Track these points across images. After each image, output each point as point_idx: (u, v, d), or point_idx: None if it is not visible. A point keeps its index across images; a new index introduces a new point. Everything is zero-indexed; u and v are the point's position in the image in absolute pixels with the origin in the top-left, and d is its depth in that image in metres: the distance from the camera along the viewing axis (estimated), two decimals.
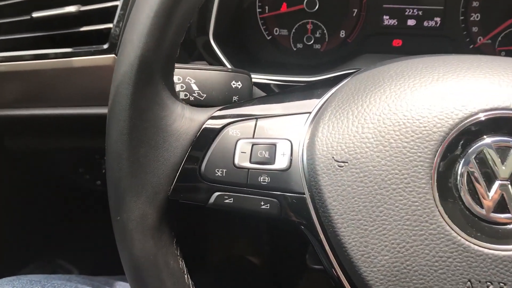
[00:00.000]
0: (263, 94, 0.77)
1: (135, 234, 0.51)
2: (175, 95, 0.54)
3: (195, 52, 0.88)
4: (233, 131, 0.54)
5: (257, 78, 0.84)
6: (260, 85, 0.83)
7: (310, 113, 0.54)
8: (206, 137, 0.53)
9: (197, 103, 0.66)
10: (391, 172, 0.48)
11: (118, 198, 0.51)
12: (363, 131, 0.49)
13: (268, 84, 0.84)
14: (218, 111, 0.55)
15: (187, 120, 0.53)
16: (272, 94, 0.60)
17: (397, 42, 0.93)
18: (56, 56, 0.84)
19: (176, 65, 0.65)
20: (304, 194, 0.51)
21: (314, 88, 0.59)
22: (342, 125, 0.51)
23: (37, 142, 0.93)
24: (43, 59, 0.86)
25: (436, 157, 0.47)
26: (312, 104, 0.55)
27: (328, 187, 0.49)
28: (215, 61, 0.85)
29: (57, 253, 1.11)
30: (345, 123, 0.51)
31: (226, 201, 0.53)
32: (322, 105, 0.55)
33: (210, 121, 0.54)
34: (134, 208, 0.51)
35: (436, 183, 0.47)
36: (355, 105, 0.51)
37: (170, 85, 0.53)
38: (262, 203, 0.52)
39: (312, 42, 0.95)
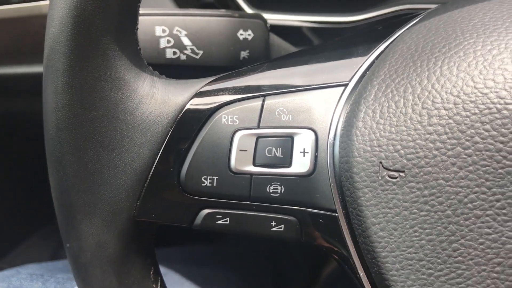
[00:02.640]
0: (288, 46, 0.57)
1: (90, 269, 0.36)
2: (140, 63, 0.36)
3: None
4: (228, 117, 0.36)
5: (280, 19, 0.64)
6: (285, 30, 0.63)
7: (346, 85, 0.36)
8: (188, 127, 0.36)
9: (192, 64, 0.48)
10: (475, 190, 0.30)
11: (65, 219, 0.36)
12: (431, 122, 0.31)
13: (296, 29, 0.64)
14: (207, 85, 0.37)
15: (158, 102, 0.35)
16: (289, 55, 0.41)
17: None
18: None
19: (158, 10, 0.47)
20: (335, 212, 0.34)
21: (352, 44, 0.40)
22: (397, 110, 0.32)
23: (21, 104, 0.78)
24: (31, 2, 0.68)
25: None
26: (350, 71, 0.36)
27: (372, 208, 0.32)
28: None
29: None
30: (400, 108, 0.32)
31: (220, 221, 0.36)
32: (365, 72, 0.36)
33: (194, 102, 0.36)
34: (86, 234, 0.35)
35: None
36: (418, 77, 0.32)
37: (131, 48, 0.35)
38: (274, 223, 0.36)
39: None
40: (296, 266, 0.87)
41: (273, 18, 0.65)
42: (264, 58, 0.51)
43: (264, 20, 0.51)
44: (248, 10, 0.63)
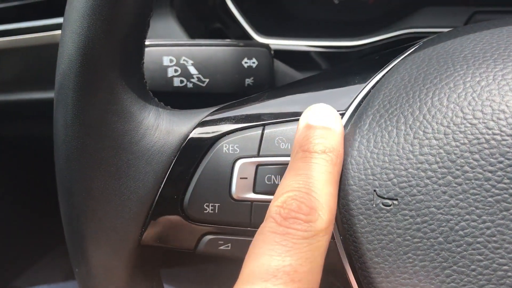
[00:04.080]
0: (292, 71, 0.59)
1: None
2: (146, 95, 0.38)
3: (214, 22, 0.70)
4: (229, 146, 0.37)
5: (287, 45, 0.66)
6: (290, 55, 0.65)
7: (343, 114, 0.37)
8: (190, 156, 0.37)
9: (198, 91, 0.50)
10: (465, 217, 0.31)
11: (74, 245, 0.37)
12: (422, 152, 0.32)
13: (300, 54, 0.65)
14: (210, 115, 0.39)
15: (163, 133, 0.37)
16: (289, 85, 0.43)
17: None
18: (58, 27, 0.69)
19: (166, 41, 0.49)
20: (333, 238, 0.35)
21: (350, 73, 0.41)
22: (390, 140, 0.33)
23: (32, 127, 0.81)
24: (45, 32, 0.71)
25: None
26: (347, 100, 0.38)
27: (367, 235, 0.33)
28: (231, 25, 0.67)
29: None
30: (393, 137, 0.33)
31: (222, 247, 0.37)
32: (361, 101, 0.37)
33: (197, 132, 0.38)
34: (94, 259, 0.37)
35: None
36: (410, 108, 0.34)
37: (137, 82, 0.37)
38: None
39: None
40: None
41: (280, 43, 0.67)
42: (268, 85, 0.53)
43: (269, 48, 0.52)
44: (255, 36, 0.65)
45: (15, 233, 0.98)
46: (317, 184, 0.33)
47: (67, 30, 0.34)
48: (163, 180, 0.37)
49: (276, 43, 0.66)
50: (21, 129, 0.85)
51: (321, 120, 0.35)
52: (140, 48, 0.37)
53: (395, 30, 0.66)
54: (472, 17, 0.63)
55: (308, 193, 0.32)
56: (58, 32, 0.67)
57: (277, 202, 0.32)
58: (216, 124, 0.38)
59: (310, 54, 0.68)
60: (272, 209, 0.32)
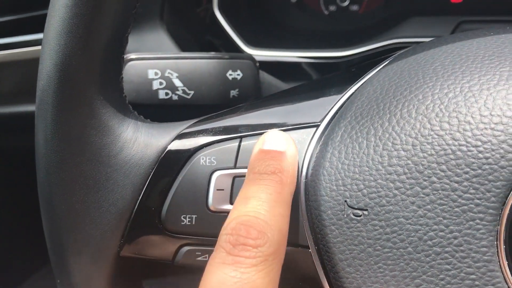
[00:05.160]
0: (278, 82, 0.60)
1: None
2: (125, 109, 0.39)
3: (204, 34, 0.71)
4: (206, 158, 0.38)
5: (277, 56, 0.67)
6: (277, 66, 0.66)
7: (318, 126, 0.38)
8: (168, 168, 0.38)
9: (184, 103, 0.51)
10: (433, 227, 0.31)
11: (55, 256, 0.38)
12: (391, 163, 0.33)
13: (286, 65, 0.66)
14: (188, 128, 0.40)
15: (141, 146, 0.38)
16: (267, 97, 0.44)
17: None
18: None
19: (151, 54, 0.50)
20: (309, 248, 0.36)
21: (327, 85, 0.42)
22: (360, 151, 0.34)
23: (30, 140, 0.82)
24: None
25: (505, 207, 0.30)
26: (322, 112, 0.38)
27: (339, 245, 0.33)
28: (221, 37, 0.68)
29: None
30: (363, 149, 0.34)
31: (200, 258, 0.38)
32: (336, 113, 0.38)
33: (174, 144, 0.39)
34: (75, 270, 0.37)
35: (504, 247, 0.30)
36: (380, 119, 0.34)
37: (115, 96, 0.38)
38: None
39: (348, 3, 0.76)
40: None
41: (270, 55, 0.68)
42: (253, 96, 0.53)
43: (253, 60, 0.53)
44: (245, 48, 0.66)
45: (17, 241, 0.99)
46: (266, 205, 0.33)
47: (45, 48, 0.35)
48: (141, 193, 0.38)
49: (266, 54, 0.67)
50: (19, 141, 0.86)
51: (273, 144, 0.36)
52: (118, 63, 0.38)
53: (384, 40, 0.66)
54: (458, 26, 0.64)
55: (257, 216, 0.32)
56: None
57: (226, 230, 0.32)
58: (194, 137, 0.39)
59: (301, 65, 0.69)
60: (222, 238, 0.32)
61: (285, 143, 0.36)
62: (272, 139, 0.36)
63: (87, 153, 0.36)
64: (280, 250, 0.33)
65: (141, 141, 0.38)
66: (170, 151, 0.38)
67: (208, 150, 0.38)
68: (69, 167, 0.36)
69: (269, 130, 0.37)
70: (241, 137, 0.38)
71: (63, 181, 0.36)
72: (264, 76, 0.57)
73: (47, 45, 0.35)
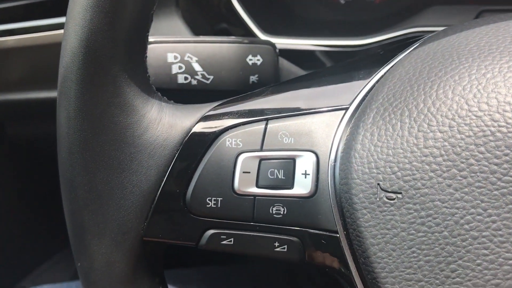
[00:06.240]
0: (297, 69, 0.59)
1: (100, 287, 0.37)
2: (149, 89, 0.38)
3: (219, 21, 0.70)
4: (232, 140, 0.37)
5: (293, 44, 0.66)
6: (295, 54, 0.65)
7: (346, 109, 0.37)
8: (193, 150, 0.37)
9: (202, 88, 0.50)
10: (471, 211, 0.30)
11: (76, 239, 0.37)
12: (426, 145, 0.32)
13: (306, 52, 0.65)
14: (213, 110, 0.39)
15: (165, 127, 0.37)
16: (293, 80, 0.43)
17: None
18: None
19: (170, 38, 0.49)
20: (337, 233, 0.35)
21: (354, 68, 0.41)
22: (394, 133, 0.33)
23: (39, 127, 0.81)
24: (52, 31, 0.71)
25: None
26: (351, 95, 0.37)
27: (371, 229, 0.33)
28: (237, 25, 0.67)
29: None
30: (397, 130, 0.33)
31: (224, 242, 0.37)
32: (365, 96, 0.37)
33: (199, 126, 0.38)
34: (96, 253, 0.37)
35: None
36: (414, 101, 0.33)
37: (140, 75, 0.37)
38: (277, 243, 0.36)
39: None
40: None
41: (284, 42, 0.66)
42: (273, 82, 0.52)
43: (273, 46, 0.52)
44: (261, 35, 0.65)
45: (22, 233, 0.99)
46: None
47: (70, 23, 0.34)
48: (165, 174, 0.37)
49: (282, 42, 0.66)
50: (28, 128, 0.85)
51: None
52: (143, 41, 0.37)
53: (402, 29, 0.65)
54: (479, 15, 0.63)
55: None
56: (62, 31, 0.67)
57: None
58: (219, 119, 0.38)
59: (316, 54, 0.68)
60: None
61: None
62: None
63: (111, 133, 0.35)
64: None
65: (166, 122, 0.37)
66: (195, 133, 0.37)
67: (234, 132, 0.37)
68: (92, 146, 0.35)
69: None
70: (267, 120, 0.37)
71: (85, 161, 0.35)
72: (283, 62, 0.56)
73: (72, 20, 0.34)
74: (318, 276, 0.88)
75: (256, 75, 0.51)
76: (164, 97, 0.39)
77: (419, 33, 0.64)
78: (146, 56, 0.38)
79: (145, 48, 0.37)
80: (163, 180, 0.37)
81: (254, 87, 0.51)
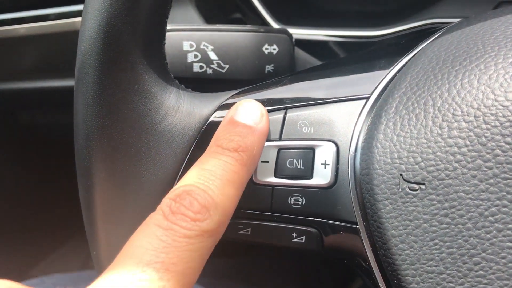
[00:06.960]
0: (312, 59, 0.58)
1: None
2: (167, 77, 0.37)
3: (233, 11, 0.70)
4: None
5: (306, 34, 0.65)
6: (310, 44, 0.64)
7: (367, 98, 0.36)
8: (211, 138, 0.36)
9: (218, 77, 0.49)
10: (496, 203, 0.30)
11: (92, 227, 0.37)
12: (451, 135, 0.31)
13: (321, 43, 0.64)
14: (231, 98, 0.38)
15: (183, 115, 0.37)
16: (311, 68, 0.42)
17: None
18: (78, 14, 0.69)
19: (186, 26, 0.48)
20: (356, 224, 0.34)
21: (374, 57, 0.40)
22: (417, 122, 0.32)
23: (52, 116, 0.81)
24: (66, 19, 0.70)
25: None
26: (372, 84, 0.37)
27: (393, 220, 0.32)
28: (251, 15, 0.66)
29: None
30: (421, 120, 0.32)
31: (242, 232, 0.36)
32: (386, 86, 0.36)
33: (218, 114, 0.37)
34: (111, 242, 0.36)
35: None
36: (438, 90, 0.33)
37: (158, 62, 0.37)
38: (295, 234, 0.36)
39: None
40: (322, 282, 0.87)
41: (299, 32, 0.66)
42: (289, 72, 0.52)
43: (289, 35, 0.52)
44: (275, 25, 0.64)
45: (33, 222, 0.99)
46: (218, 182, 0.31)
47: (88, 8, 0.34)
48: (183, 163, 0.36)
49: (296, 32, 0.65)
50: (41, 117, 0.85)
51: (245, 117, 0.34)
52: (162, 27, 0.36)
53: (418, 21, 0.64)
54: (497, 7, 0.62)
55: (205, 191, 0.31)
56: (79, 19, 0.67)
57: (171, 195, 0.31)
58: None
59: (330, 44, 0.67)
60: (164, 201, 0.31)
61: (257, 118, 0.34)
62: (245, 111, 0.35)
63: (129, 120, 0.35)
64: (218, 229, 0.31)
65: (184, 110, 0.37)
66: (213, 121, 0.37)
67: None
68: (110, 133, 0.34)
69: (244, 100, 0.36)
70: (286, 108, 0.37)
71: (103, 148, 0.35)
72: (299, 52, 0.55)
73: (90, 4, 0.33)
74: (325, 271, 0.88)
75: (272, 65, 0.50)
76: (182, 85, 0.39)
77: (434, 24, 0.63)
78: (165, 43, 0.37)
79: (163, 35, 0.37)
80: (180, 168, 0.36)
81: (270, 76, 0.51)
